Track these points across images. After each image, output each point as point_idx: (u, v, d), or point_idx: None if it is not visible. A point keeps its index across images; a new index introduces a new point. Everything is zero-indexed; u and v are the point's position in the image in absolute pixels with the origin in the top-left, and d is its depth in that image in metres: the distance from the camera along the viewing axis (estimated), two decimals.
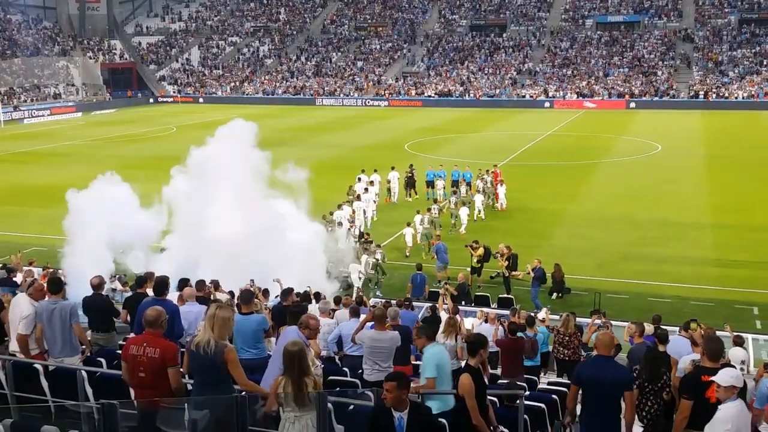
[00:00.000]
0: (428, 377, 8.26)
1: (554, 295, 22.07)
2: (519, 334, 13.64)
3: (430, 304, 17.44)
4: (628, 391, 7.76)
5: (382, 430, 6.83)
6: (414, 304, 17.11)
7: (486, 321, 15.60)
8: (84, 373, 8.55)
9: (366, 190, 30.95)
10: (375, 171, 34.76)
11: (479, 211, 30.71)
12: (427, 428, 7.18)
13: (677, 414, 7.73)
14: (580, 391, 7.98)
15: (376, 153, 44.20)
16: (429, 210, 27.56)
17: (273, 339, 11.55)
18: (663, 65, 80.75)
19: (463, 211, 29.17)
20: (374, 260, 22.17)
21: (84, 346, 10.02)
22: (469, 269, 23.18)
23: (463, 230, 28.48)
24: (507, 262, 22.62)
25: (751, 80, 74.84)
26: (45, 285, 10.26)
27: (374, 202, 30.99)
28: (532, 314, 15.70)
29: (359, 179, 32.64)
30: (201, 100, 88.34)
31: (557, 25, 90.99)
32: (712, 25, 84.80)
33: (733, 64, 78.37)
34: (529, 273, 21.97)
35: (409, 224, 26.67)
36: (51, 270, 18.85)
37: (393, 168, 35.88)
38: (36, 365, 9.05)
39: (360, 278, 21.92)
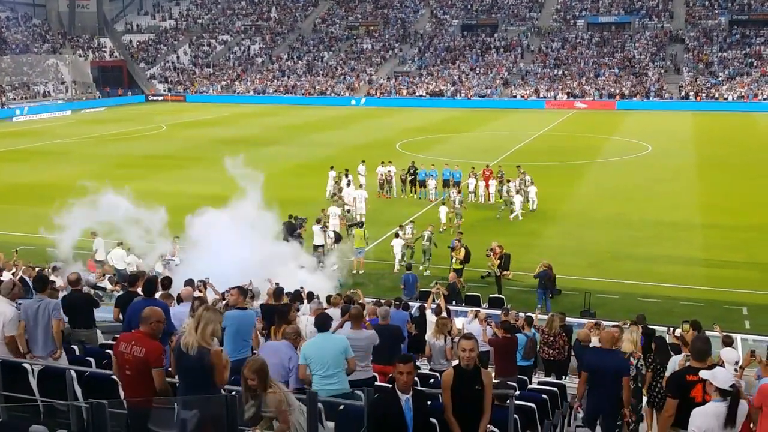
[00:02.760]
0: (299, 364, 8.86)
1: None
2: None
3: (420, 304, 17.47)
4: (625, 377, 9.49)
5: (392, 414, 6.93)
6: (409, 303, 17.16)
7: (476, 318, 15.65)
8: (73, 373, 8.52)
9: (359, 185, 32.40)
10: (382, 163, 35.80)
11: (533, 201, 31.88)
12: (427, 409, 7.37)
13: (662, 412, 7.77)
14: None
15: (368, 152, 44.16)
16: (459, 191, 30.72)
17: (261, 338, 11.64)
18: (653, 66, 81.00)
19: (517, 199, 30.87)
20: (429, 233, 24.48)
21: (56, 344, 9.90)
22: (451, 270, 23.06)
23: (517, 216, 30.69)
24: (499, 261, 22.65)
25: (741, 81, 75.16)
26: (16, 280, 10.19)
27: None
28: (531, 314, 15.75)
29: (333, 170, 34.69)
30: (191, 98, 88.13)
31: (548, 25, 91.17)
32: (703, 26, 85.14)
33: (723, 66, 78.68)
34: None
35: (444, 203, 30.05)
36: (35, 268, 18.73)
37: (390, 162, 36.14)
38: (24, 365, 9.00)
39: (403, 252, 24.60)
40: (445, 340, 12.51)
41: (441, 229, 28.17)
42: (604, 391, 9.48)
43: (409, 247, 25.14)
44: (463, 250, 22.90)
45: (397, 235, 24.99)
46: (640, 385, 11.42)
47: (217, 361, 7.22)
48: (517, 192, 31.45)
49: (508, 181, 32.24)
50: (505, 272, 22.99)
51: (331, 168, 35.20)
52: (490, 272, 23.16)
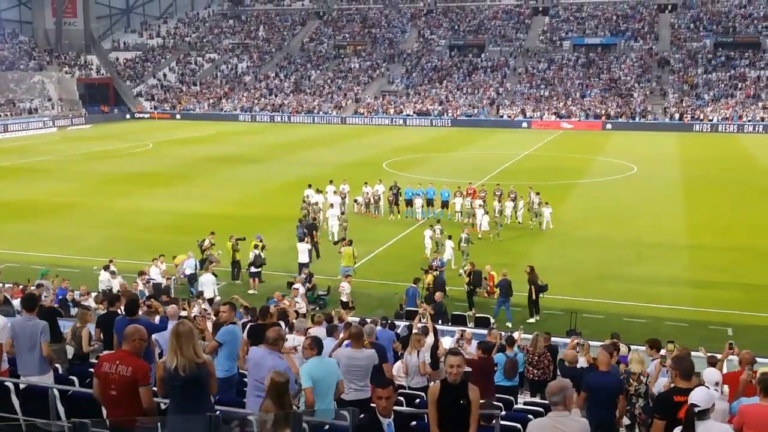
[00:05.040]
0: (304, 387, 8.50)
1: (533, 318, 22.00)
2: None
3: (408, 323, 17.41)
4: (621, 395, 10.52)
5: None
6: (395, 323, 17.17)
7: (462, 338, 15.66)
8: (56, 392, 8.43)
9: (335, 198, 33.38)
10: (366, 183, 36.06)
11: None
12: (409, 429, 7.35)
13: None
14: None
15: (355, 171, 44.23)
16: (500, 201, 32.24)
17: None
18: (639, 87, 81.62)
19: (547, 210, 32.25)
20: (466, 235, 27.03)
21: (47, 364, 9.84)
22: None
23: (549, 226, 32.12)
24: (468, 278, 22.73)
25: (726, 103, 75.82)
26: None
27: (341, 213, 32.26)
28: (512, 334, 15.69)
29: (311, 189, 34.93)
30: (178, 116, 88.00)
31: (535, 46, 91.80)
32: (688, 48, 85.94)
33: (708, 87, 79.39)
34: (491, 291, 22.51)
35: (486, 212, 31.19)
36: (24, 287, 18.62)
37: (380, 181, 36.21)
38: (7, 383, 8.91)
39: (452, 252, 26.71)
40: (418, 355, 12.40)
41: (479, 236, 30.20)
42: (602, 407, 10.30)
43: (440, 244, 27.55)
44: (429, 276, 22.86)
45: (449, 237, 27.22)
46: (650, 402, 11.53)
47: (212, 370, 7.24)
48: (546, 203, 32.50)
49: (537, 194, 32.96)
50: (478, 289, 23.12)
51: (330, 182, 36.16)
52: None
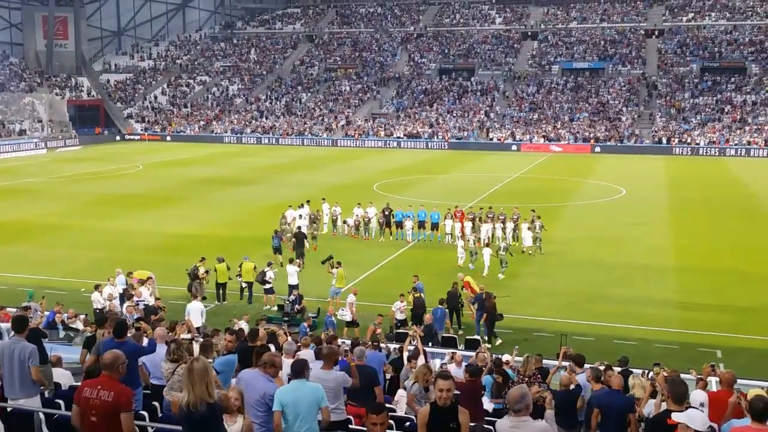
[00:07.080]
0: (273, 410, 8.34)
1: (497, 340, 21.86)
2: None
3: (399, 346, 17.36)
4: (631, 414, 10.55)
5: None
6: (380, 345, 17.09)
7: (453, 360, 15.63)
8: (42, 415, 8.36)
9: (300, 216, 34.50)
10: (358, 205, 36.29)
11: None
12: None
13: None
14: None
15: (345, 193, 44.23)
16: (536, 218, 32.66)
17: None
18: (627, 111, 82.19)
19: (528, 234, 32.63)
20: (504, 244, 29.36)
21: (42, 387, 9.77)
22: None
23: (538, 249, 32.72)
24: (446, 297, 22.77)
25: (713, 127, 76.38)
26: None
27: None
28: (500, 356, 15.68)
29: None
30: (169, 138, 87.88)
31: (524, 70, 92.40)
32: (675, 72, 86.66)
33: (695, 111, 80.00)
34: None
35: (529, 228, 32.07)
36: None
37: (371, 203, 36.25)
38: None
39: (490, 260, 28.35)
40: (427, 390, 12.24)
41: (528, 251, 31.98)
42: (613, 426, 10.53)
43: (473, 254, 29.25)
44: (410, 297, 22.77)
45: (487, 245, 29.21)
46: None
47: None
48: (528, 229, 32.63)
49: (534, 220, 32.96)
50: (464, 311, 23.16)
51: (323, 200, 37.26)
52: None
